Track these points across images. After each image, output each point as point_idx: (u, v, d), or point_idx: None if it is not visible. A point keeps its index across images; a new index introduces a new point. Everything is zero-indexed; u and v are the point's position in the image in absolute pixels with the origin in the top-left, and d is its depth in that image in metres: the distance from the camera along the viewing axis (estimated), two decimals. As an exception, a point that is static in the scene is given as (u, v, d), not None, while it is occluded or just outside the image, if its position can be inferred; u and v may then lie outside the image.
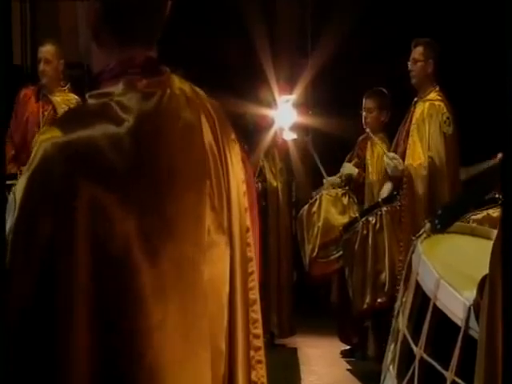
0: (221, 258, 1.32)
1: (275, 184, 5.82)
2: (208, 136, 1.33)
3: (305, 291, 6.39)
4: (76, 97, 4.77)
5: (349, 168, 5.29)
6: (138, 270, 1.17)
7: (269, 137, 5.86)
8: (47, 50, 4.74)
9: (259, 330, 1.43)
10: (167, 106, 1.28)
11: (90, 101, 1.26)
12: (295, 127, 6.32)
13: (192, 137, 1.31)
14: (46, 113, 4.72)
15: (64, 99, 4.75)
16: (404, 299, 2.55)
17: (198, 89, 1.38)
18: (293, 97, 6.45)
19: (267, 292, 5.46)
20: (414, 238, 2.71)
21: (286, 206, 6.05)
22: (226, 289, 1.32)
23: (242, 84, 6.51)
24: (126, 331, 1.16)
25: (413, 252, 2.57)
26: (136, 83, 1.26)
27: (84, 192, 1.15)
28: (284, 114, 6.18)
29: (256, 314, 1.42)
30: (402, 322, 2.41)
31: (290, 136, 6.20)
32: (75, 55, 5.27)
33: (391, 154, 4.66)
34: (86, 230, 1.14)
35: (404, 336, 2.35)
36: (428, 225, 2.73)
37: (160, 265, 1.20)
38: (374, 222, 4.68)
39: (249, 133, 5.81)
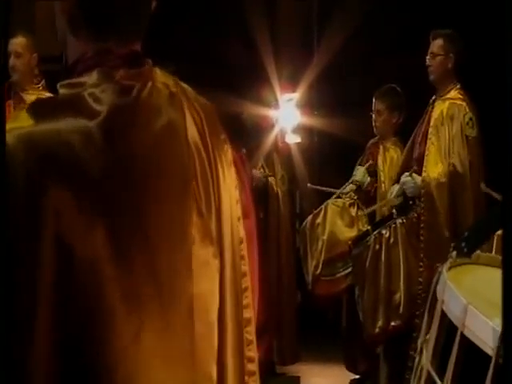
0: (208, 271, 1.29)
1: (276, 193, 5.72)
2: (193, 135, 1.30)
3: (310, 313, 6.31)
4: (52, 95, 4.68)
5: (361, 174, 5.21)
6: (108, 280, 1.13)
7: (269, 140, 5.77)
8: (18, 42, 4.63)
9: (253, 353, 1.43)
10: (147, 99, 1.25)
11: (61, 91, 1.23)
12: (299, 129, 6.25)
13: (174, 135, 1.28)
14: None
15: (38, 97, 4.67)
16: (428, 336, 2.51)
17: (185, 85, 1.36)
18: (296, 95, 6.39)
19: (267, 313, 5.38)
20: (438, 265, 2.67)
21: (289, 217, 5.96)
22: (215, 306, 1.29)
23: (239, 81, 6.44)
24: (94, 344, 1.13)
25: (437, 281, 2.53)
26: (112, 74, 1.23)
27: (49, 192, 1.11)
28: (286, 115, 6.11)
29: (250, 334, 1.42)
30: (425, 358, 2.35)
31: (292, 139, 6.13)
32: (51, 48, 5.19)
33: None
34: (50, 235, 1.10)
35: (428, 373, 2.29)
36: (454, 253, 2.69)
37: (135, 275, 1.16)
38: (387, 235, 4.61)
39: (246, 135, 5.73)
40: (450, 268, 2.58)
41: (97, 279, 1.13)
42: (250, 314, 1.42)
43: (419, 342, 2.69)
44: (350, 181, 5.30)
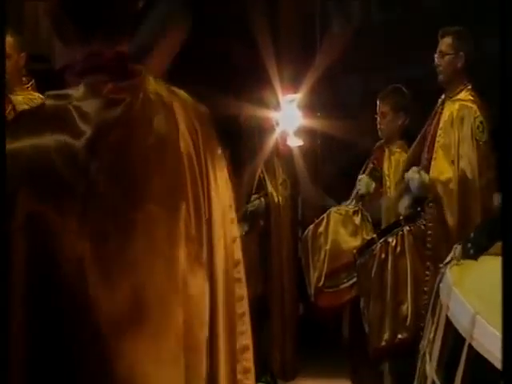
0: (198, 296, 1.28)
1: (277, 200, 5.69)
2: (187, 149, 1.30)
3: (312, 326, 6.27)
4: (41, 96, 4.67)
5: (365, 184, 5.17)
6: (89, 307, 1.13)
7: (270, 143, 5.75)
8: (6, 42, 4.64)
9: (251, 382, 1.42)
10: (137, 114, 1.24)
11: (48, 102, 1.24)
12: (301, 131, 6.22)
13: (166, 152, 1.27)
14: (4, 115, 4.62)
15: (26, 98, 4.66)
16: (431, 336, 2.48)
17: (179, 91, 1.36)
18: (298, 96, 6.36)
19: (267, 327, 5.36)
20: (441, 265, 2.65)
21: (290, 225, 5.92)
22: (205, 332, 1.29)
23: (239, 81, 6.44)
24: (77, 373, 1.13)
25: (440, 281, 2.50)
26: (100, 87, 1.23)
27: (24, 210, 1.12)
28: (288, 117, 6.09)
29: (248, 362, 1.41)
30: (429, 367, 2.33)
31: (295, 142, 6.10)
32: (41, 46, 5.19)
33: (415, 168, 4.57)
34: (24, 257, 1.10)
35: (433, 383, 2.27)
36: (459, 249, 2.66)
37: (118, 301, 1.16)
38: (394, 243, 4.58)
39: (245, 138, 5.71)
40: (453, 267, 2.55)
41: (81, 302, 1.13)
42: (247, 340, 1.42)
43: (422, 344, 2.67)
44: (354, 195, 5.27)
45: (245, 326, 1.40)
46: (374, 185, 5.15)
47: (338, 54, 6.27)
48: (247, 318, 1.42)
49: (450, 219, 4.36)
